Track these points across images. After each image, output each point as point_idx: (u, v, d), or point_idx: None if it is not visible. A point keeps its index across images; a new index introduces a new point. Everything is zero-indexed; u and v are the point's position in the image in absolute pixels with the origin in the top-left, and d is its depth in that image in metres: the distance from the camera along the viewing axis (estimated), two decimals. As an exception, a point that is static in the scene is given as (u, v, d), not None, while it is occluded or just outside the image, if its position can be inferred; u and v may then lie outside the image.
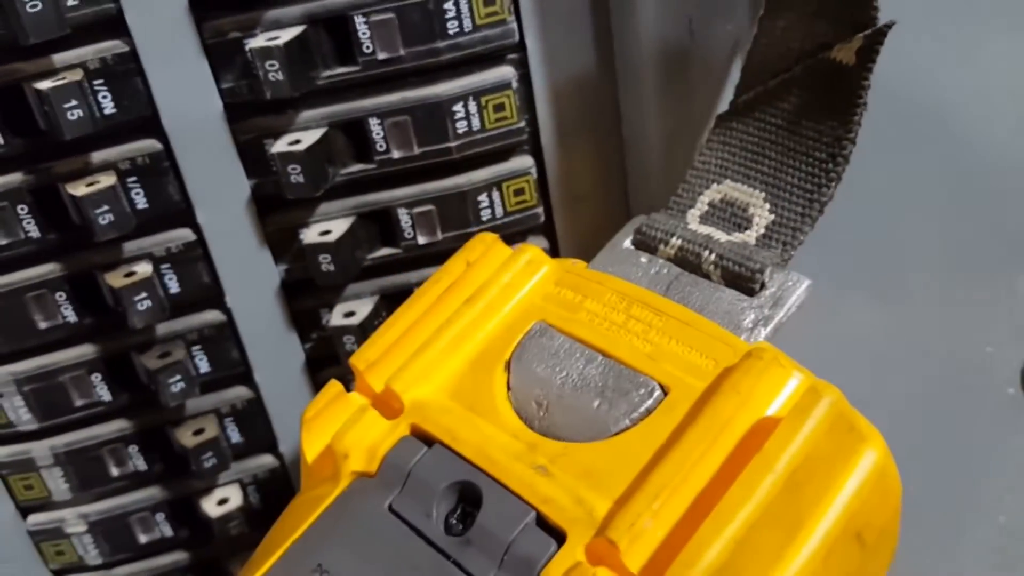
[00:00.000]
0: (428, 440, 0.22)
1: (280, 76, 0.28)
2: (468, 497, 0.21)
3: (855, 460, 0.20)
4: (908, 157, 0.33)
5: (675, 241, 0.25)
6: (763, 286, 0.24)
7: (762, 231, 0.25)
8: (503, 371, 0.23)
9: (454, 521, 0.21)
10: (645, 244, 0.26)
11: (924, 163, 0.34)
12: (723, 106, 0.30)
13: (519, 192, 0.33)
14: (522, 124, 0.32)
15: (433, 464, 0.21)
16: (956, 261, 0.36)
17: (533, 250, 0.26)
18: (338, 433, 0.23)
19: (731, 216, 0.26)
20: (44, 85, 0.28)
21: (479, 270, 0.25)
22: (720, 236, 0.25)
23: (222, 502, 0.35)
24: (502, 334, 0.24)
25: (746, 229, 0.25)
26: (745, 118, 0.26)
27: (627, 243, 0.27)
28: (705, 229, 0.26)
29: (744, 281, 0.24)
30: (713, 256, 0.25)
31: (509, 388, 0.23)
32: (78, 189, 0.29)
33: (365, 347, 0.25)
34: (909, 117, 0.32)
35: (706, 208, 0.26)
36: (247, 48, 0.28)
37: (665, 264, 0.26)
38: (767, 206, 0.25)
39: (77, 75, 0.28)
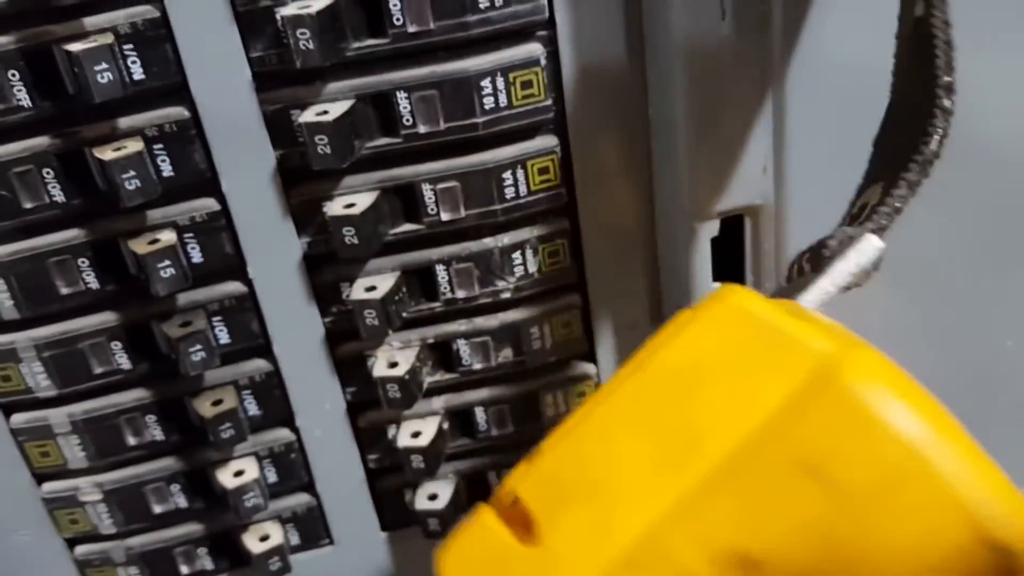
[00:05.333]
0: None
1: (311, 45, 0.28)
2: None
3: (788, 368, 0.17)
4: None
5: None
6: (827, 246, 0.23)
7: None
8: None
9: None
10: None
11: (945, 156, 0.33)
12: (754, 88, 0.30)
13: (543, 171, 0.33)
14: (549, 102, 0.31)
15: None
16: (977, 255, 0.36)
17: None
18: None
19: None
20: (75, 47, 0.27)
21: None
22: None
23: (238, 474, 0.35)
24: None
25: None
26: None
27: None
28: None
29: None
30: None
31: None
32: (105, 153, 0.29)
33: None
34: None
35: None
36: (278, 16, 0.28)
37: None
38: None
39: (108, 39, 0.28)
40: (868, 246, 0.22)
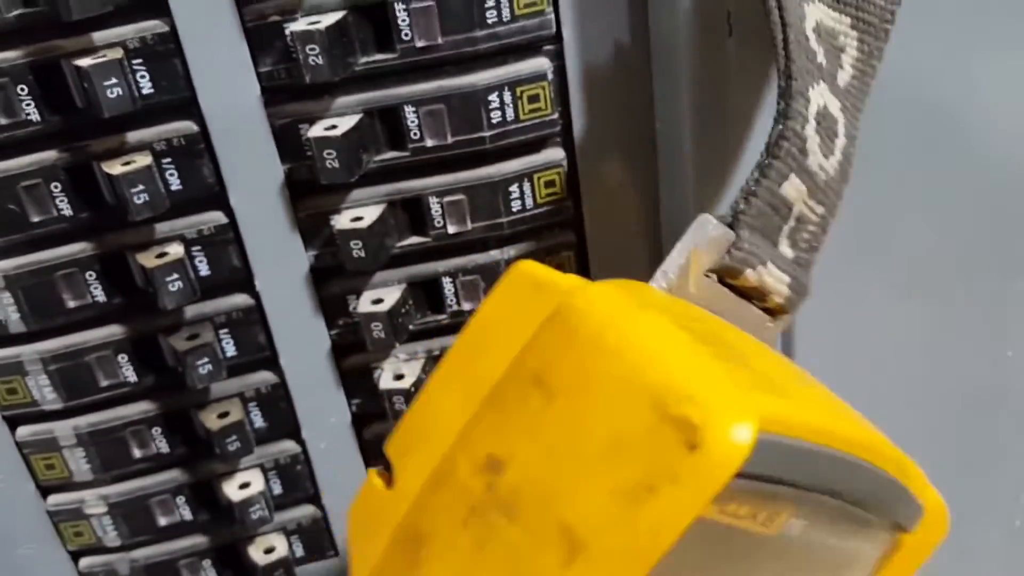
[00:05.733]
0: None
1: (320, 60, 0.28)
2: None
3: (542, 308, 0.20)
4: (929, 158, 0.34)
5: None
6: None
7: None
8: None
9: None
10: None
11: (945, 164, 0.34)
12: (760, 106, 0.31)
13: (550, 184, 0.33)
14: (556, 116, 0.32)
15: None
16: (977, 264, 0.36)
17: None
18: None
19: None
20: (85, 62, 0.27)
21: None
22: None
23: (243, 486, 0.35)
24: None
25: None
26: None
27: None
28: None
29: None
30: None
31: None
32: (114, 168, 0.29)
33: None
34: (929, 117, 0.33)
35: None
36: (288, 31, 0.28)
37: None
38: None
39: (117, 53, 0.28)
40: (701, 223, 0.24)
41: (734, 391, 0.18)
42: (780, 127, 0.23)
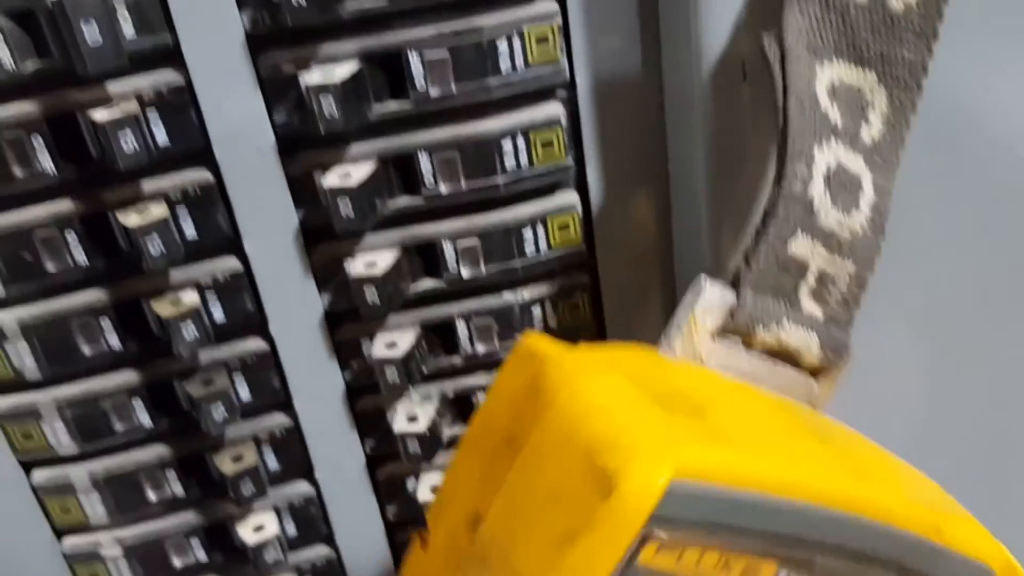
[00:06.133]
0: None
1: (334, 112, 0.28)
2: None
3: (524, 378, 0.22)
4: (953, 183, 0.33)
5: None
6: None
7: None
8: None
9: None
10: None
11: (967, 190, 0.33)
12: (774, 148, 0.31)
13: (564, 227, 0.33)
14: (569, 161, 0.32)
15: None
16: (1001, 288, 0.35)
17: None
18: None
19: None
20: (101, 116, 0.28)
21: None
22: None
23: (258, 529, 0.35)
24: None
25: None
26: None
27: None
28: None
29: None
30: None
31: None
32: (129, 219, 0.29)
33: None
34: (950, 134, 0.32)
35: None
36: (303, 85, 0.28)
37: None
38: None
39: (133, 106, 0.28)
40: (697, 286, 0.24)
41: (655, 441, 0.19)
42: (775, 190, 0.23)
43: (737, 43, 0.29)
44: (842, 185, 0.23)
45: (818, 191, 0.23)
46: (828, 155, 0.23)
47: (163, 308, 0.31)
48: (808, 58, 0.23)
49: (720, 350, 0.24)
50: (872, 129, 0.24)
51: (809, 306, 0.24)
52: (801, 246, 0.23)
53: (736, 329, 0.23)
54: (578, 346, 0.22)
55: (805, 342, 0.24)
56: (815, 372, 0.25)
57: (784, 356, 0.24)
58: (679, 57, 0.30)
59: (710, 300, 0.24)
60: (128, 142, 0.28)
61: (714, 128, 0.30)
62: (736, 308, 0.23)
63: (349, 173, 0.30)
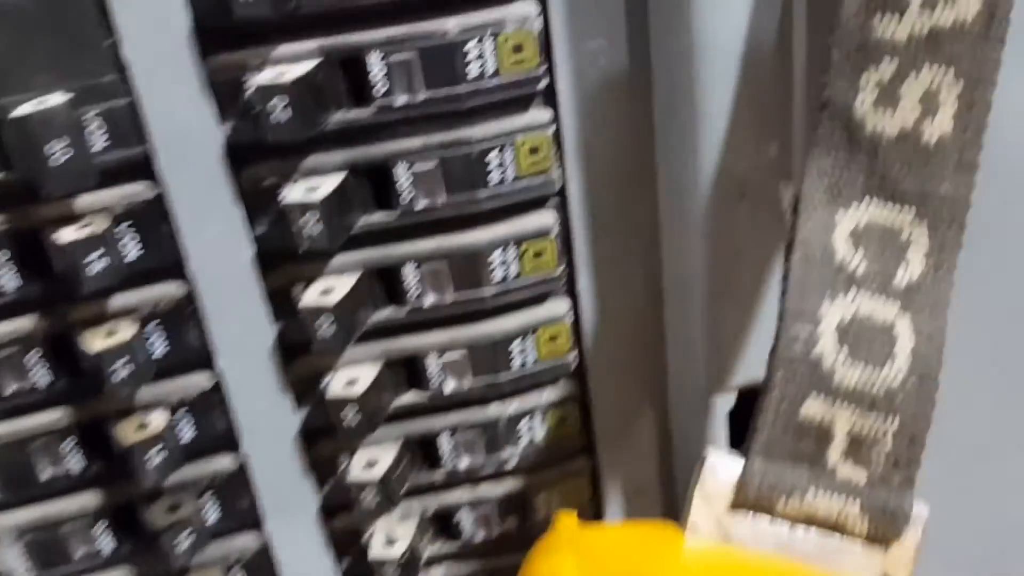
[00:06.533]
0: None
1: (318, 228, 0.27)
2: None
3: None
4: None
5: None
6: None
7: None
8: None
9: None
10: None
11: None
12: (774, 270, 0.30)
13: (553, 338, 0.31)
14: (560, 271, 0.30)
15: None
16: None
17: None
18: None
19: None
20: (66, 237, 0.26)
21: None
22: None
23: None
24: None
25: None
26: None
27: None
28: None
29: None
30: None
31: None
32: (95, 342, 0.27)
33: None
34: None
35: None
36: (284, 202, 0.27)
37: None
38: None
39: (102, 224, 0.26)
40: (704, 464, 0.23)
41: None
42: (771, 354, 0.22)
43: (735, 162, 0.28)
44: (865, 337, 0.22)
45: (828, 349, 0.22)
46: (843, 308, 0.22)
47: (128, 432, 0.29)
48: (827, 204, 0.22)
49: (747, 524, 0.22)
50: (911, 269, 0.22)
51: (844, 470, 0.22)
52: (817, 408, 0.22)
53: (752, 502, 0.22)
54: (592, 525, 0.21)
55: (842, 511, 0.22)
56: (876, 540, 0.22)
57: (827, 524, 0.22)
58: (675, 171, 0.29)
59: (719, 473, 0.22)
60: (95, 264, 0.26)
61: (711, 244, 0.29)
62: (742, 480, 0.22)
63: (329, 289, 0.28)
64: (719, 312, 0.30)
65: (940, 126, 0.22)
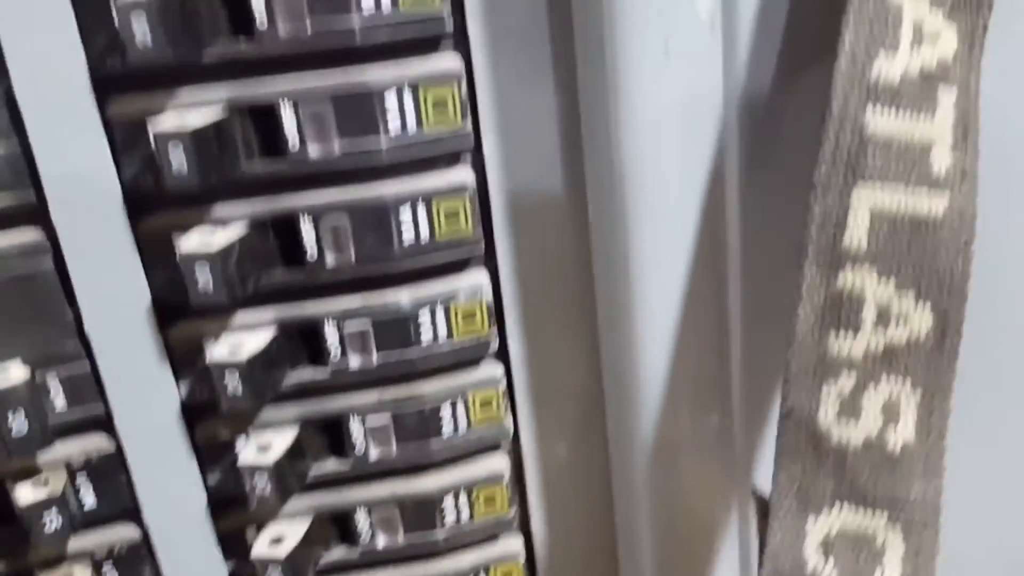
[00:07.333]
0: None
1: (269, 486, 0.28)
2: None
3: None
4: None
5: None
6: None
7: None
8: None
9: None
10: None
11: None
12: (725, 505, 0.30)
13: (489, 500, 0.31)
14: (507, 422, 0.30)
15: None
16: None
17: None
18: None
19: None
20: (24, 497, 0.27)
21: None
22: None
23: None
24: None
25: None
26: None
27: None
28: None
29: None
30: None
31: None
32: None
33: None
34: None
35: None
36: (238, 460, 0.28)
37: None
38: None
39: (59, 483, 0.27)
40: None
41: None
42: None
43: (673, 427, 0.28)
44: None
45: None
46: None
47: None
48: (797, 511, 0.23)
49: None
50: (888, 574, 0.23)
51: None
52: None
53: None
54: None
55: None
56: None
57: None
58: (616, 287, 0.28)
59: None
60: (52, 522, 0.27)
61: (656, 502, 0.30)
62: None
63: (280, 537, 0.29)
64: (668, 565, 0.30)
65: (903, 434, 0.23)
